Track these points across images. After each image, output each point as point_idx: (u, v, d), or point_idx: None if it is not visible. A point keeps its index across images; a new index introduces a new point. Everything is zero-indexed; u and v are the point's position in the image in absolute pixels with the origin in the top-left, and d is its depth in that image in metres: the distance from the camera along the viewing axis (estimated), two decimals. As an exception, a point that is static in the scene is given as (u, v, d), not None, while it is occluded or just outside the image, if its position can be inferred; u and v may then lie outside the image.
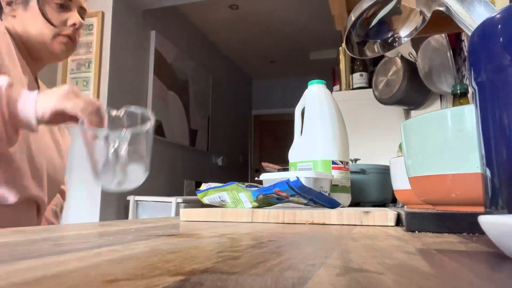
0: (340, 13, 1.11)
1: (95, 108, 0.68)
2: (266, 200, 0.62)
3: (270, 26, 4.14)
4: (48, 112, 0.65)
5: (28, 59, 0.87)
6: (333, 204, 0.63)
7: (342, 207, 0.73)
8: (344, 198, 0.88)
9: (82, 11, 0.91)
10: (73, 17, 0.87)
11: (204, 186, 0.68)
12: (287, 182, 0.56)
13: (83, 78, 2.80)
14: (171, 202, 2.66)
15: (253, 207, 0.62)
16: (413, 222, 0.40)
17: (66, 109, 0.65)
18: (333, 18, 1.16)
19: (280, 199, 0.61)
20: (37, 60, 0.89)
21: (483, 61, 0.32)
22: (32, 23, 0.84)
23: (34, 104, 0.65)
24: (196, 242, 0.29)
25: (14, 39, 0.84)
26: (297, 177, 0.58)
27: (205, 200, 0.67)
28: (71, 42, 0.88)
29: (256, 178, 0.94)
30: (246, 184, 0.65)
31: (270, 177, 0.85)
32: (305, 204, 0.64)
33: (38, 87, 0.93)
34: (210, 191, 0.66)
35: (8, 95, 0.65)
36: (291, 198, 0.60)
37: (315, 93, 0.96)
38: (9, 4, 0.85)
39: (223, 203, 0.66)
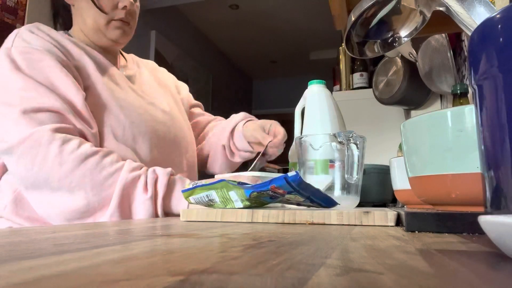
0: (340, 13, 1.11)
1: None
2: (259, 199, 0.58)
3: (270, 26, 4.14)
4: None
5: (101, 51, 0.92)
6: (330, 203, 0.60)
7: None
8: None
9: None
10: (123, 0, 0.89)
11: (190, 184, 0.63)
12: (285, 177, 0.52)
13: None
14: (171, 202, 2.66)
15: (244, 207, 0.58)
16: (413, 222, 0.40)
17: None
18: (333, 18, 1.16)
19: (274, 198, 0.57)
20: (105, 50, 0.94)
21: (483, 61, 0.32)
22: (87, 13, 0.88)
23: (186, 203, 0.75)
24: (196, 242, 0.29)
25: (85, 42, 0.91)
26: (296, 172, 0.55)
27: (191, 199, 0.62)
28: (126, 25, 0.92)
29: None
30: (238, 181, 0.60)
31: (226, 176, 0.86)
32: (299, 204, 0.60)
33: (124, 59, 1.01)
34: (197, 190, 0.61)
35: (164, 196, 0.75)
36: (287, 196, 0.56)
37: (315, 93, 0.96)
38: None
39: (211, 203, 0.61)
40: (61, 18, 0.97)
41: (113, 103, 0.84)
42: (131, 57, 1.07)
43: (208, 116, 1.25)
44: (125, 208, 0.73)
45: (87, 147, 0.74)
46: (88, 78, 0.84)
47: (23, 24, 2.44)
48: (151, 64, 1.14)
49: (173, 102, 1.06)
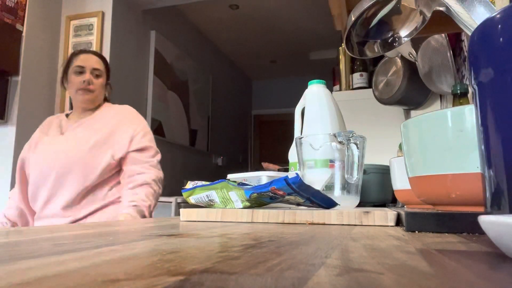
0: (340, 13, 1.11)
1: None
2: (258, 200, 0.58)
3: (270, 26, 4.14)
4: None
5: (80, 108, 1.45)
6: (330, 204, 0.60)
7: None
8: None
9: (96, 71, 1.42)
10: (85, 77, 1.40)
11: (190, 184, 0.63)
12: (285, 179, 0.52)
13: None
14: (171, 202, 2.66)
15: (244, 207, 0.58)
16: (413, 222, 0.40)
17: None
18: (333, 18, 1.16)
19: (273, 198, 0.57)
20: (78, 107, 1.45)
21: (483, 61, 0.32)
22: (68, 86, 1.44)
23: None
24: (196, 242, 0.29)
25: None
26: (296, 173, 0.55)
27: (191, 199, 0.62)
28: (86, 91, 1.40)
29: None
30: (238, 182, 0.61)
31: (237, 176, 0.87)
32: (298, 204, 0.60)
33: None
34: (197, 190, 0.61)
35: None
36: (287, 197, 0.56)
37: (315, 93, 0.96)
38: (62, 83, 1.47)
39: (211, 203, 0.61)
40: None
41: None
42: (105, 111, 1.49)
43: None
44: None
45: None
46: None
47: (23, 24, 2.44)
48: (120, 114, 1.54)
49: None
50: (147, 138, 1.40)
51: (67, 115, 1.48)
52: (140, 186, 1.30)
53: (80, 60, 1.41)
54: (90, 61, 1.42)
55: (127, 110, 1.47)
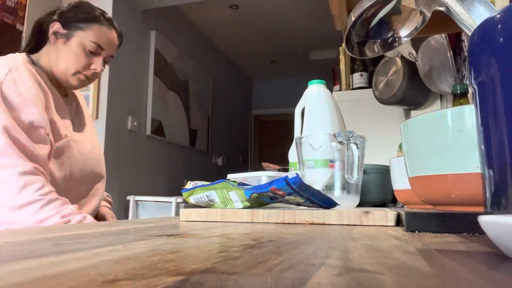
0: (340, 13, 1.11)
1: None
2: (258, 200, 0.58)
3: (270, 26, 4.14)
4: None
5: (56, 85, 1.02)
6: (330, 204, 0.60)
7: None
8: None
9: (108, 58, 1.05)
10: (97, 63, 1.01)
11: (190, 184, 0.63)
12: (285, 179, 0.52)
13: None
14: (171, 202, 2.66)
15: (244, 207, 0.58)
16: (413, 222, 0.40)
17: None
18: (333, 18, 1.16)
19: (273, 198, 0.57)
20: (58, 87, 1.03)
21: (483, 61, 0.32)
22: (64, 57, 0.99)
23: None
24: (196, 242, 0.29)
25: (45, 70, 1.00)
26: (296, 173, 0.55)
27: (191, 199, 0.62)
28: (88, 81, 1.03)
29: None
30: (238, 182, 0.61)
31: (237, 176, 0.87)
32: (298, 204, 0.60)
33: (76, 101, 1.11)
34: (197, 190, 0.61)
35: None
36: (287, 197, 0.56)
37: (315, 93, 0.96)
38: (55, 34, 1.00)
39: (211, 203, 0.61)
40: (33, 43, 1.05)
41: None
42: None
43: None
44: None
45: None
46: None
47: (23, 24, 2.44)
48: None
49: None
50: None
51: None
52: None
53: (100, 36, 1.00)
54: (111, 45, 1.04)
55: (84, 103, 1.17)
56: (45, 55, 1.01)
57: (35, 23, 1.04)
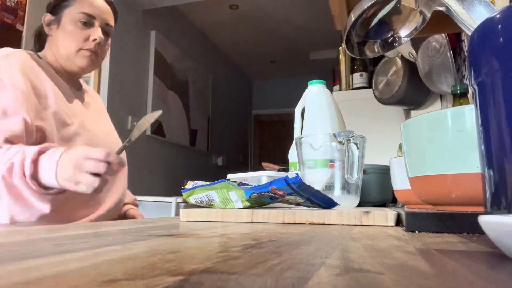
0: (340, 13, 1.11)
1: (103, 182, 0.79)
2: (259, 200, 0.58)
3: (270, 26, 4.14)
4: (64, 187, 0.81)
5: (65, 76, 1.02)
6: (330, 204, 0.60)
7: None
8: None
9: (107, 27, 1.03)
10: (95, 33, 0.99)
11: (190, 184, 0.63)
12: (285, 179, 0.52)
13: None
14: (171, 202, 2.66)
15: (244, 207, 0.58)
16: (413, 222, 0.40)
17: (79, 191, 0.79)
18: (333, 18, 1.16)
19: (273, 198, 0.57)
20: (70, 75, 1.04)
21: (483, 61, 0.32)
22: (62, 40, 0.99)
23: (55, 176, 0.79)
24: (196, 242, 0.29)
25: (52, 63, 1.01)
26: (296, 173, 0.55)
27: (191, 199, 0.62)
28: (94, 55, 1.01)
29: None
30: (238, 182, 0.61)
31: (237, 176, 0.87)
32: (298, 204, 0.60)
33: (82, 89, 1.10)
34: (197, 190, 0.61)
35: (32, 169, 0.79)
36: (287, 197, 0.56)
37: (315, 93, 0.96)
38: (48, 25, 1.01)
39: (211, 203, 0.61)
40: (40, 41, 1.08)
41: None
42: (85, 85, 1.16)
43: None
44: (15, 194, 0.80)
45: None
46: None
47: (23, 24, 2.44)
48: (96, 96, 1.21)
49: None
50: None
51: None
52: None
53: (87, 5, 0.98)
54: (102, 12, 1.01)
55: (101, 100, 1.20)
56: (48, 48, 1.02)
57: (35, 30, 1.08)
